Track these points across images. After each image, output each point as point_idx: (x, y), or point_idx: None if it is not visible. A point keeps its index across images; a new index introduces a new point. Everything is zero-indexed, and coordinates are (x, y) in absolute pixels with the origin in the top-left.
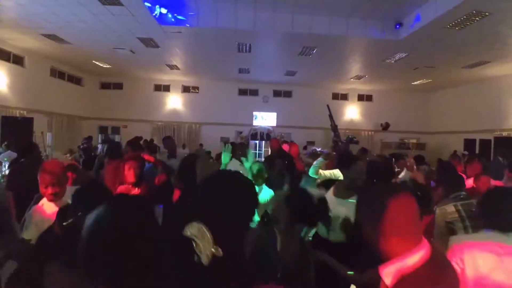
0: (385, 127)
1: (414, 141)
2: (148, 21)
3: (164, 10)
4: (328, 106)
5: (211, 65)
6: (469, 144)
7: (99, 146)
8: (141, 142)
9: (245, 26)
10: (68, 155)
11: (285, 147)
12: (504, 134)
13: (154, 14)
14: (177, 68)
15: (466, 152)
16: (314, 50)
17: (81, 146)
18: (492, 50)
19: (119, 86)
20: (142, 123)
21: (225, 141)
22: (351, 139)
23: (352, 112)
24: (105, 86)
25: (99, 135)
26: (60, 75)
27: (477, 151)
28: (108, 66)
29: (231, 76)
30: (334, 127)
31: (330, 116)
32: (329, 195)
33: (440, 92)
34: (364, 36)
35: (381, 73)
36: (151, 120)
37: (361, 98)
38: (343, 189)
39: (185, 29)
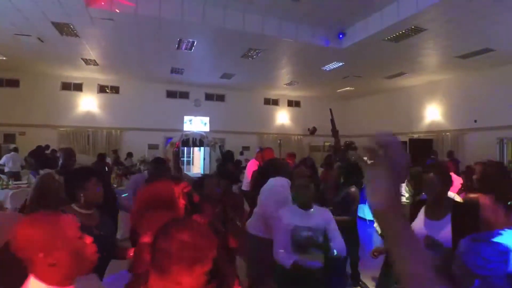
0: (312, 131)
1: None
2: (72, 1)
3: None
4: (330, 110)
5: (140, 62)
6: None
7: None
8: (48, 151)
9: (192, 20)
10: None
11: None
12: (415, 136)
13: None
14: (95, 64)
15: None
16: (259, 53)
17: None
18: (412, 63)
19: (14, 83)
20: (46, 128)
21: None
22: (349, 145)
23: (282, 117)
24: None
25: None
26: None
27: None
28: (1, 58)
29: (159, 77)
30: (335, 133)
31: (332, 121)
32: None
33: (359, 99)
34: (311, 43)
35: (312, 80)
36: (57, 125)
37: (290, 103)
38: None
39: (119, 15)
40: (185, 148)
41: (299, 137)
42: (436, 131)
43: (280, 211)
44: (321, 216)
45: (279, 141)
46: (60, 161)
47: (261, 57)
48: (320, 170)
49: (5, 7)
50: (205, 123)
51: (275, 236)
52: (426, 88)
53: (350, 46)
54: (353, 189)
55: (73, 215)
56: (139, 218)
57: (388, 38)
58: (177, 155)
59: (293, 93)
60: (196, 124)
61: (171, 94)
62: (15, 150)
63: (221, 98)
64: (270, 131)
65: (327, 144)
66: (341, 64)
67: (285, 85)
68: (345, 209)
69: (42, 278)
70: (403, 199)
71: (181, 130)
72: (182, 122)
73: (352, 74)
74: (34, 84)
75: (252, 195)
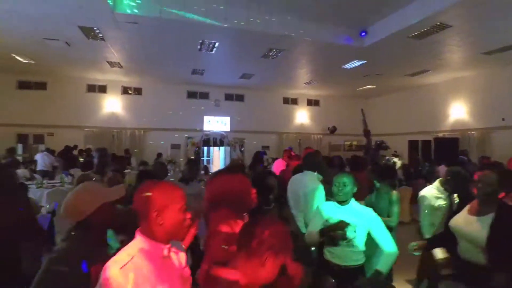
0: (332, 130)
1: (355, 143)
2: (99, 5)
3: None
4: (362, 110)
5: (162, 64)
6: (413, 144)
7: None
8: (75, 152)
9: (215, 21)
10: None
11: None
12: (440, 135)
13: None
14: (120, 66)
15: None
16: (279, 53)
17: (4, 161)
18: (436, 60)
19: (42, 86)
20: (73, 129)
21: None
22: (380, 145)
23: (302, 116)
24: (24, 85)
25: (18, 144)
26: None
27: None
28: (29, 62)
29: (180, 78)
30: (367, 132)
31: (364, 121)
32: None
33: (380, 97)
34: (332, 42)
35: (332, 79)
36: (83, 126)
37: (309, 103)
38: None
39: (143, 19)
40: (205, 147)
41: (318, 136)
42: (461, 129)
43: (317, 205)
44: (359, 214)
45: (298, 141)
46: (96, 161)
47: (281, 57)
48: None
49: (34, 13)
50: (225, 123)
51: (309, 228)
52: (450, 86)
53: (372, 44)
54: (395, 192)
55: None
56: (210, 209)
57: (411, 36)
58: (198, 155)
59: (313, 92)
60: (216, 124)
61: (191, 95)
62: (48, 150)
63: (240, 98)
64: (290, 131)
65: (347, 143)
66: (362, 62)
67: (304, 84)
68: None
69: (148, 233)
70: (440, 202)
71: (202, 130)
72: (202, 122)
73: (373, 72)
74: (61, 87)
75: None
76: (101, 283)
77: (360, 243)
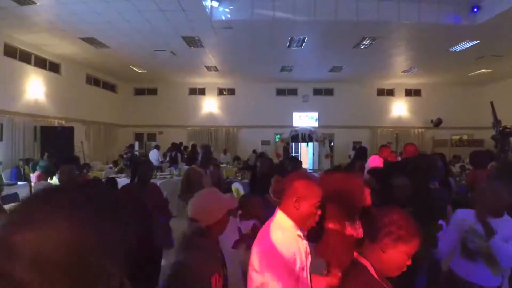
0: (437, 123)
1: (466, 137)
2: (200, 16)
3: (215, 4)
4: (491, 103)
5: (253, 64)
6: None
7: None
8: (182, 148)
9: (304, 17)
10: (111, 165)
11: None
12: None
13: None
14: (216, 70)
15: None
16: (374, 40)
17: (125, 155)
18: None
19: (153, 91)
20: (178, 128)
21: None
22: (510, 133)
23: (399, 109)
24: (139, 92)
25: (135, 142)
26: (95, 82)
27: None
28: (143, 71)
29: (269, 76)
30: (497, 123)
31: (493, 113)
32: None
33: (497, 83)
34: (437, 22)
35: (437, 64)
36: (186, 125)
37: (408, 93)
38: None
39: (236, 23)
40: (294, 143)
41: (420, 130)
42: None
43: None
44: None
45: (395, 135)
46: (200, 156)
47: (375, 45)
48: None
49: (146, 28)
50: (314, 118)
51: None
52: None
53: (487, 21)
54: None
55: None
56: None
57: None
58: (287, 151)
59: (412, 81)
60: (305, 119)
61: (280, 92)
62: (157, 147)
63: (329, 92)
64: (385, 124)
65: (455, 138)
66: (475, 42)
67: (402, 73)
68: None
69: (286, 211)
70: None
71: (291, 126)
72: (291, 118)
73: (489, 54)
74: (168, 91)
75: None
76: (267, 249)
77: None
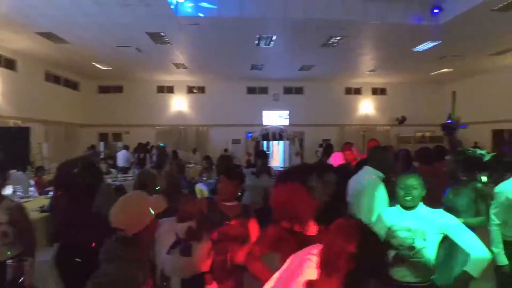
0: (401, 120)
1: (428, 134)
2: (164, 11)
3: None
4: (453, 92)
5: (222, 62)
6: (497, 135)
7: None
8: (148, 148)
9: (273, 14)
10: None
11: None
12: None
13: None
14: (184, 67)
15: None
16: (342, 40)
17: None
18: None
19: (118, 89)
20: (146, 128)
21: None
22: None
23: (366, 107)
24: (103, 90)
25: (99, 143)
26: (56, 79)
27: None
28: (107, 68)
29: (240, 74)
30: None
31: (453, 104)
32: None
33: (458, 82)
34: (401, 23)
35: (401, 64)
36: (155, 124)
37: (375, 91)
38: None
39: (203, 19)
40: (265, 142)
41: (385, 127)
42: None
43: (378, 211)
44: (429, 219)
45: (362, 133)
46: (155, 158)
47: (342, 45)
48: None
49: (108, 23)
50: (284, 117)
51: None
52: None
53: (448, 22)
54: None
55: None
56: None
57: (495, 8)
58: (258, 149)
59: (378, 80)
60: (276, 118)
61: (251, 90)
62: (126, 148)
63: (299, 90)
64: (352, 122)
65: (418, 134)
66: (436, 43)
67: (368, 72)
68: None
69: None
70: None
71: (261, 124)
72: (262, 116)
73: (450, 54)
74: (135, 89)
75: None
76: None
77: (430, 254)
